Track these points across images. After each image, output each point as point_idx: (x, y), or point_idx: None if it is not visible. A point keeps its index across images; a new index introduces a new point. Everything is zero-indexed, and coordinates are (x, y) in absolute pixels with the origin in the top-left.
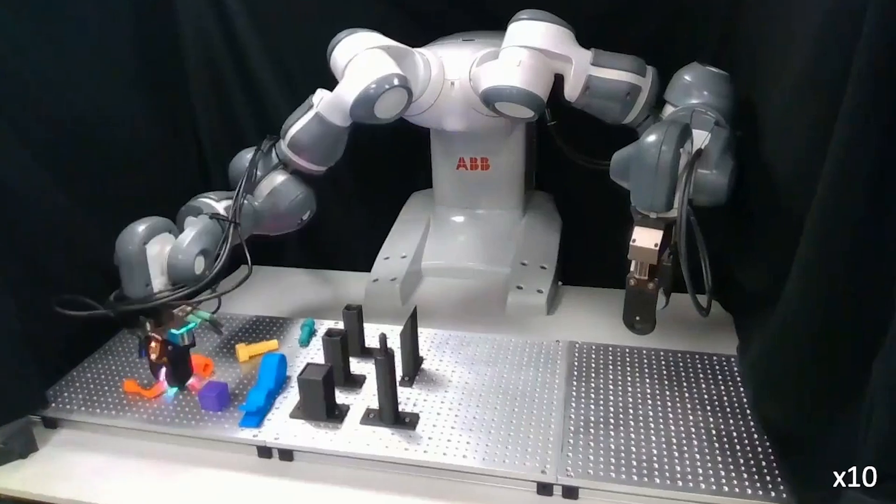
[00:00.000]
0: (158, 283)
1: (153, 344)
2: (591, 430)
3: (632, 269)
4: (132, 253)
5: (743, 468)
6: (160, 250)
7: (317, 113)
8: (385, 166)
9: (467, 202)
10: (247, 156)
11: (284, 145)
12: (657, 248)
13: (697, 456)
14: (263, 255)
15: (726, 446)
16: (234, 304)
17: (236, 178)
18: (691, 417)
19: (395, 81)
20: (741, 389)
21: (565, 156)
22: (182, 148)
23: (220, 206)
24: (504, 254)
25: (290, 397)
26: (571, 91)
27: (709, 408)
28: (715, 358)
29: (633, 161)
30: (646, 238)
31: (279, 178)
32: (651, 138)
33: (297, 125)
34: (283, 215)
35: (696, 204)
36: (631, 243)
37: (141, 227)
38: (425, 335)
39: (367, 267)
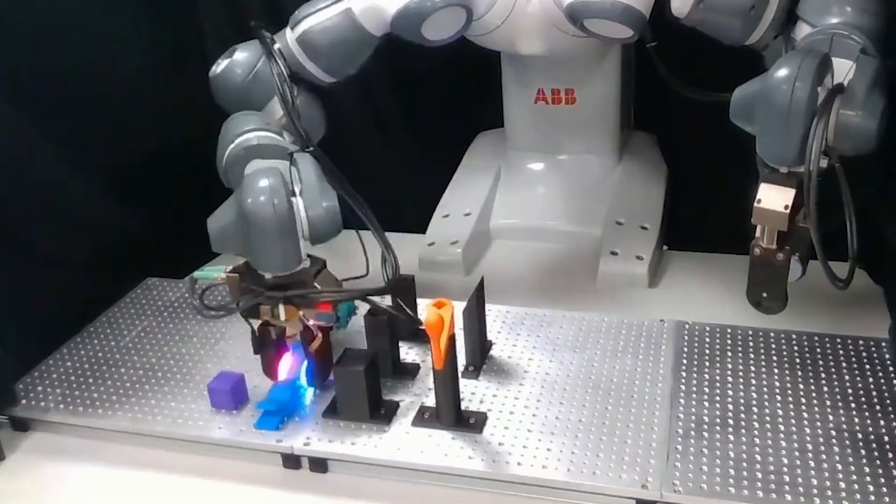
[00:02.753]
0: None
1: (315, 335)
2: (705, 434)
3: (757, 234)
4: (283, 214)
5: None
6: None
7: (348, 9)
8: (444, 100)
9: (548, 145)
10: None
11: (291, 37)
12: (787, 211)
13: (839, 466)
14: None
15: (875, 453)
16: None
17: (227, 95)
18: (831, 417)
19: None
20: (895, 381)
21: (671, 88)
22: (188, 83)
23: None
24: (594, 210)
25: (323, 392)
26: (681, 5)
27: (853, 405)
28: (861, 342)
29: (758, 100)
30: (774, 198)
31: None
32: (782, 72)
33: (316, 18)
34: None
35: (839, 153)
36: (755, 204)
37: (271, 177)
38: (495, 313)
39: (422, 227)
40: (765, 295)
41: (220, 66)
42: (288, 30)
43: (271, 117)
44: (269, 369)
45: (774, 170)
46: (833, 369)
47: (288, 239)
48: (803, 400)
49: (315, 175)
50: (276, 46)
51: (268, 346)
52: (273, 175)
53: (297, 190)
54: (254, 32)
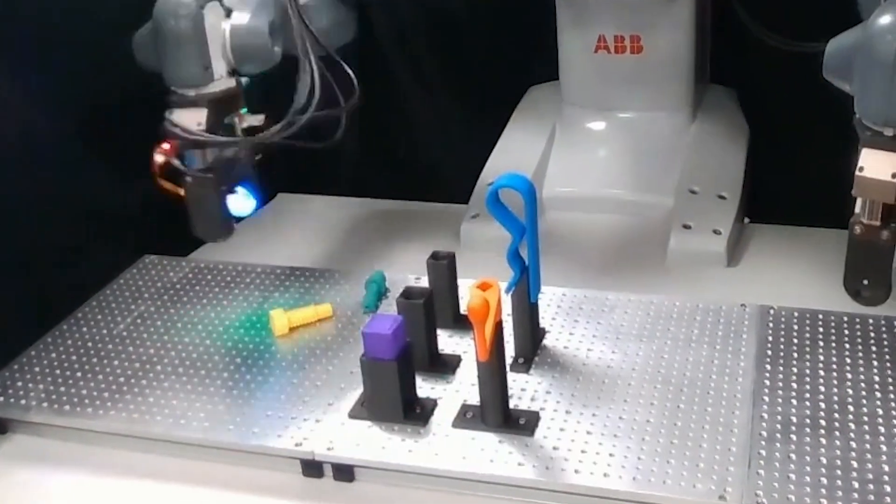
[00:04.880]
0: (219, 66)
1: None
2: (793, 437)
3: (857, 209)
4: (185, 22)
5: None
6: (214, 22)
7: None
8: (490, 49)
9: (610, 101)
10: None
11: None
12: (895, 181)
13: None
14: (311, 180)
15: None
16: (265, 249)
17: None
18: None
19: None
20: None
21: (753, 35)
22: None
23: None
24: (664, 177)
25: (349, 388)
26: None
27: None
28: None
29: (857, 53)
30: (879, 165)
31: None
32: (884, 19)
33: None
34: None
35: None
36: (857, 173)
37: None
38: (548, 296)
39: (464, 197)
40: (865, 282)
41: None
42: None
43: None
44: None
45: (878, 133)
46: None
47: (191, 47)
48: None
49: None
50: None
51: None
52: None
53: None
54: None
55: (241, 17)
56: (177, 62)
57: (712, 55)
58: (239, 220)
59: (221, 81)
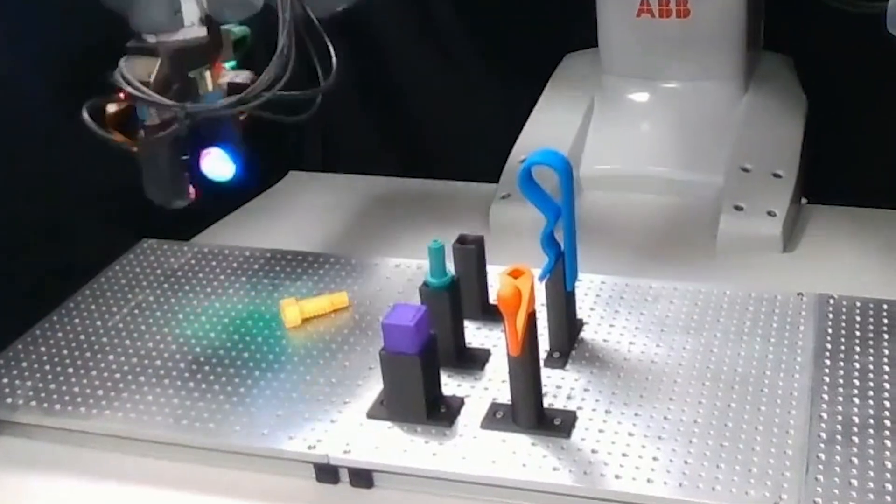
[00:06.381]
0: (190, 10)
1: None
2: (855, 439)
3: None
4: None
5: None
6: None
7: None
8: (522, 12)
9: (654, 69)
10: None
11: None
12: None
13: None
14: (326, 156)
15: None
16: (275, 233)
17: None
18: None
19: None
20: None
21: None
22: None
23: None
24: (713, 153)
25: (367, 385)
26: None
27: None
28: None
29: None
30: None
31: None
32: None
33: None
34: None
35: None
36: None
37: None
38: (586, 285)
39: (493, 175)
40: None
41: None
42: None
43: None
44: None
45: None
46: None
47: None
48: None
49: None
50: None
51: None
52: None
53: None
54: None
55: None
56: (144, 2)
57: (766, 18)
58: (215, 184)
59: (190, 29)
